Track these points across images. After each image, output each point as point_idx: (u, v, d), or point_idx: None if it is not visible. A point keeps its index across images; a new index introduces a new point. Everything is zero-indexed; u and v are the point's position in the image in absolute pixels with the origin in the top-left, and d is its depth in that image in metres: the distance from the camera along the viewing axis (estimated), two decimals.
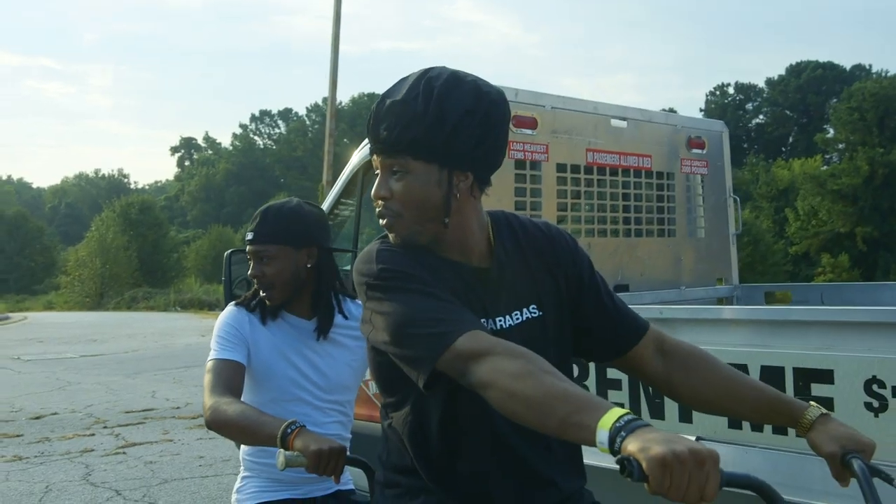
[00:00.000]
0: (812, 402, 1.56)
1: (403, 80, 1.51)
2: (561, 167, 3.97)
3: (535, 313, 1.58)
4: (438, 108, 1.44)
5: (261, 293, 2.27)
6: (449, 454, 1.54)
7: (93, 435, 7.50)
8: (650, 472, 1.07)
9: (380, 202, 1.52)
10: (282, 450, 1.79)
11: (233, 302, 2.33)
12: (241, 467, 2.36)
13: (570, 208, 4.05)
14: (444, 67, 1.51)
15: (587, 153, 4.05)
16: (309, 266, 2.25)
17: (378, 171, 1.53)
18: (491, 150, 1.51)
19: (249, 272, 2.27)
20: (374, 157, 1.52)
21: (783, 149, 49.33)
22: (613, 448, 1.12)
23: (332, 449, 1.78)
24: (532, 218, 1.70)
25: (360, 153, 4.22)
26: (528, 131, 3.77)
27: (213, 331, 2.26)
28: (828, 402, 2.30)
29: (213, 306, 31.57)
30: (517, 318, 1.56)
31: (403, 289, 1.44)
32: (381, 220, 1.54)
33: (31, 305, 37.64)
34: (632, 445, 1.10)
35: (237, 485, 2.35)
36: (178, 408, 8.80)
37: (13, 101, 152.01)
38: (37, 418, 8.41)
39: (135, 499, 5.41)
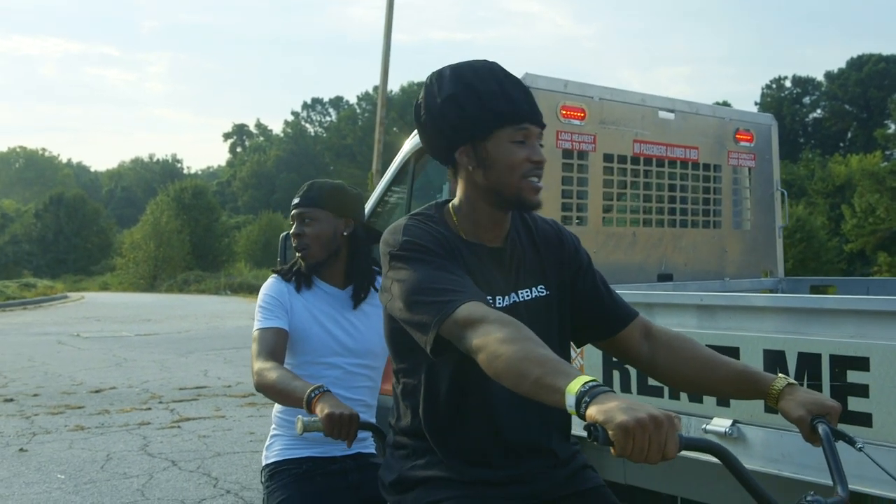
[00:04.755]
0: (780, 374, 1.69)
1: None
2: (608, 157, 4.04)
3: (542, 292, 1.78)
4: None
5: (297, 253, 2.47)
6: (454, 420, 1.69)
7: (149, 409, 7.81)
8: (615, 438, 1.21)
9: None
10: (300, 416, 1.97)
11: (272, 274, 2.52)
12: (272, 424, 2.54)
13: (617, 198, 4.12)
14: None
15: (634, 144, 4.12)
16: (345, 234, 2.46)
17: (525, 140, 1.68)
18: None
19: (292, 231, 2.49)
20: (527, 125, 1.68)
21: (841, 144, 48.09)
22: (579, 411, 1.27)
23: (344, 414, 1.94)
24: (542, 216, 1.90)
25: (412, 141, 4.33)
26: (576, 122, 3.84)
27: (257, 302, 2.45)
28: (863, 389, 2.36)
29: None
30: (526, 296, 1.75)
31: (421, 260, 1.60)
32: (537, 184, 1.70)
33: (88, 286, 38.71)
34: (596, 413, 1.23)
35: (266, 443, 2.53)
36: (229, 386, 9.08)
37: (74, 88, 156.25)
38: (97, 392, 8.77)
39: (190, 469, 5.66)
